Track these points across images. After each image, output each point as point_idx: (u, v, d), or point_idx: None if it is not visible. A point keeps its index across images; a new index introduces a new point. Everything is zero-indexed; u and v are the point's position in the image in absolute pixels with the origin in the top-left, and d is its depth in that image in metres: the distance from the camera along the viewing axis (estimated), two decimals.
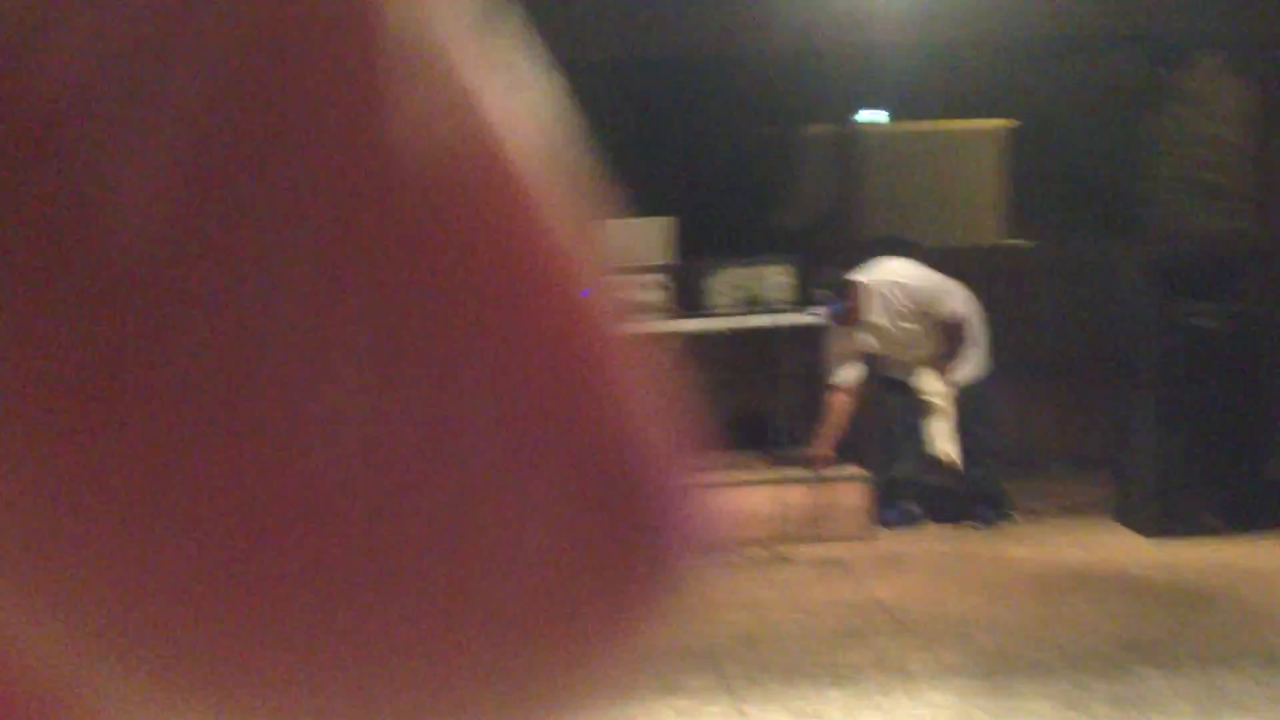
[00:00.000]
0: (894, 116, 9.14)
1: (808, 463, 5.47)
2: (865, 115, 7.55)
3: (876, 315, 5.37)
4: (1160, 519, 5.18)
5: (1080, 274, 6.46)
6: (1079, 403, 6.32)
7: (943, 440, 5.33)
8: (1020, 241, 7.49)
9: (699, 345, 6.24)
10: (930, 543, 5.33)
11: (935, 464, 5.38)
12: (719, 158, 8.72)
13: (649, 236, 5.51)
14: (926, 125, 8.01)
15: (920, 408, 5.44)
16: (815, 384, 6.05)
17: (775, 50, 6.45)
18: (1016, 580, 4.70)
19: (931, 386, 5.41)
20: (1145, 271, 5.50)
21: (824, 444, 5.44)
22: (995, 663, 3.72)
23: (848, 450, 5.78)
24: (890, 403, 5.60)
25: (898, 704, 3.41)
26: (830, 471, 5.48)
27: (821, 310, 5.44)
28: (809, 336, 5.73)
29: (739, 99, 8.12)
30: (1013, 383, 5.68)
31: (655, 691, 3.52)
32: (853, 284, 5.39)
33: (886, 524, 5.54)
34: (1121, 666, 3.59)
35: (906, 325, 5.39)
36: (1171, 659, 3.63)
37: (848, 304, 5.36)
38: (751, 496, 5.36)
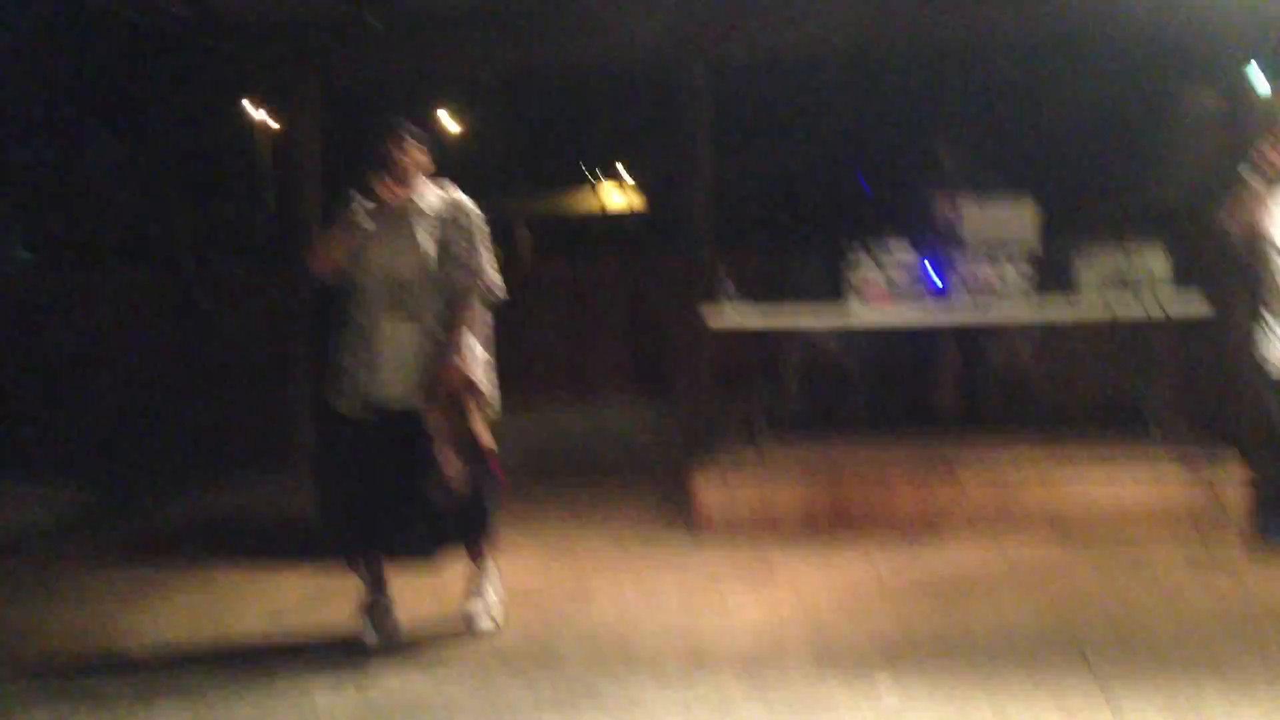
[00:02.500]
0: None
1: None
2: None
3: None
4: None
5: None
6: None
7: None
8: None
9: (1064, 331, 5.98)
10: None
11: None
12: (1088, 131, 8.28)
13: (1007, 219, 5.32)
14: None
15: None
16: (1188, 375, 5.63)
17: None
18: None
19: None
20: None
21: None
22: None
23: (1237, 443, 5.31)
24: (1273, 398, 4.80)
25: None
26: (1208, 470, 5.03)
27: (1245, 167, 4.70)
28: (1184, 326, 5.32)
29: (1110, 61, 7.66)
30: None
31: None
32: None
33: (1266, 533, 4.82)
34: None
35: None
36: None
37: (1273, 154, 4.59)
38: (1122, 490, 5.08)
